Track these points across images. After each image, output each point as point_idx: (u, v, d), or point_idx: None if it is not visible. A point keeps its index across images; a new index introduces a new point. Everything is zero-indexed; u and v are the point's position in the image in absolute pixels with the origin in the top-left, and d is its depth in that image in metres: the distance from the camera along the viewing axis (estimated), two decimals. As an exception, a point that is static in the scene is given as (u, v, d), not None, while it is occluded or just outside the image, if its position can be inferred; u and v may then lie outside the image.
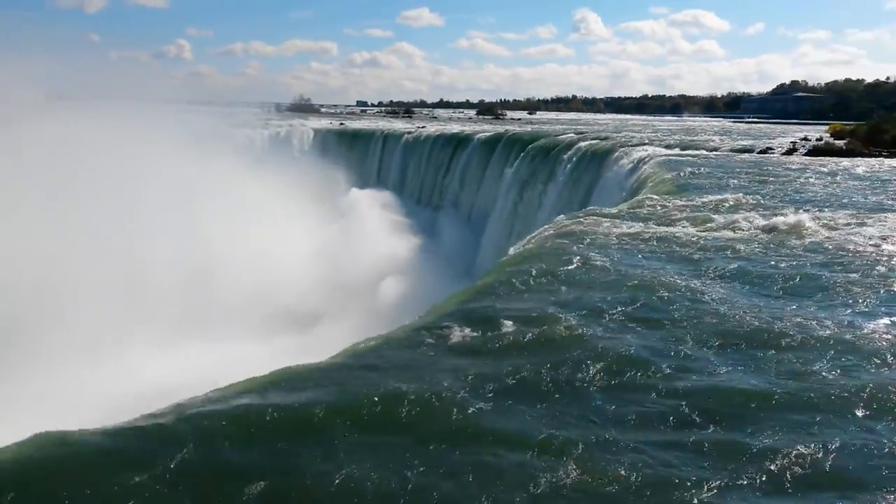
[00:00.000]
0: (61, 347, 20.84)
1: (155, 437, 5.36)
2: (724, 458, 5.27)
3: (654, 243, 12.06)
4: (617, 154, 28.94)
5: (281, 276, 28.85)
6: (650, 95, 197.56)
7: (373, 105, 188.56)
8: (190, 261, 26.75)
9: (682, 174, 21.52)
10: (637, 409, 6.08)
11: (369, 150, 51.76)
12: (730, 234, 13.00)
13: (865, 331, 7.90)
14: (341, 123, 64.74)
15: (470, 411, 5.95)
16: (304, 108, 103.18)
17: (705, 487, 4.89)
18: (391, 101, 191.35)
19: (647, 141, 34.95)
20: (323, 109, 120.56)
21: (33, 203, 25.54)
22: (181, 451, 5.16)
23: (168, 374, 19.59)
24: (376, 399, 6.07)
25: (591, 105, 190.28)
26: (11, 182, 24.86)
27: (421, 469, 5.10)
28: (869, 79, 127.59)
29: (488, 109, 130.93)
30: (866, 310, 8.71)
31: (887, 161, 28.26)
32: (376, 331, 8.24)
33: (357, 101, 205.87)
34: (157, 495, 4.73)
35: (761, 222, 13.81)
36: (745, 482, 4.98)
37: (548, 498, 4.81)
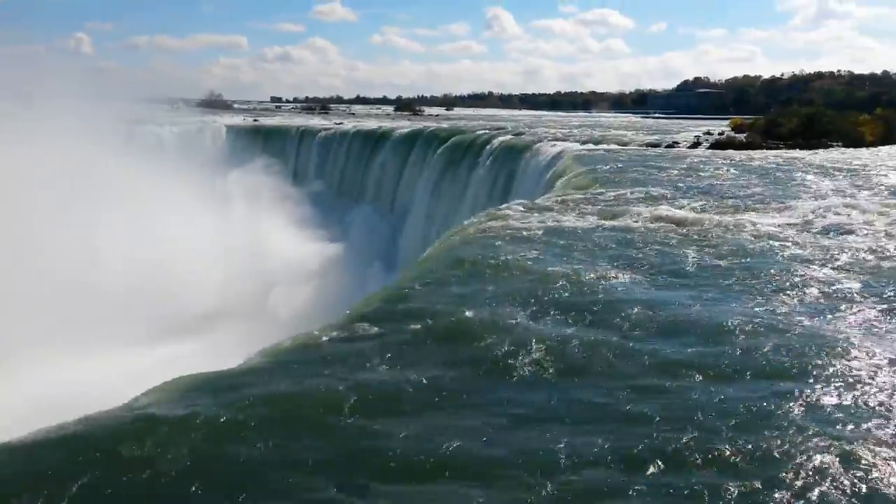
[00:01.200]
0: None
1: (46, 453, 4.93)
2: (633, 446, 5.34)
3: (571, 235, 12.27)
4: (534, 149, 29.45)
5: (183, 278, 27.67)
6: (563, 92, 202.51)
7: (288, 101, 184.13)
8: (78, 264, 25.25)
9: (595, 168, 22.09)
10: (555, 400, 6.10)
11: (286, 147, 50.49)
12: (640, 225, 13.39)
13: (772, 315, 8.27)
14: (255, 120, 62.89)
15: (385, 413, 5.80)
16: (215, 104, 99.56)
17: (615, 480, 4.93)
18: (307, 98, 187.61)
19: (561, 136, 35.80)
20: (236, 106, 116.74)
21: None
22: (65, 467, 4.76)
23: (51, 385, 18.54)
24: (277, 406, 5.83)
25: (507, 101, 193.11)
26: None
27: (330, 477, 4.91)
28: (766, 75, 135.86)
29: (406, 105, 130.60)
30: (772, 295, 9.13)
31: (783, 153, 30.05)
32: (289, 333, 7.95)
33: (271, 98, 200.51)
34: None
35: (669, 213, 14.33)
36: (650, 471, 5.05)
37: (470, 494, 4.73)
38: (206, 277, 28.64)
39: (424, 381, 6.40)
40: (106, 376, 19.90)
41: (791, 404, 6.04)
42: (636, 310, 8.30)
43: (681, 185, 19.01)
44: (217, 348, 25.18)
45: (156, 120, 52.52)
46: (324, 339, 7.48)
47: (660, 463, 5.09)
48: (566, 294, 8.88)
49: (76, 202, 29.00)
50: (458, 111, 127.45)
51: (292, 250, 34.97)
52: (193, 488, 4.74)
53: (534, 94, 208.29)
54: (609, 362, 6.91)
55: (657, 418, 5.74)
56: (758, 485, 4.80)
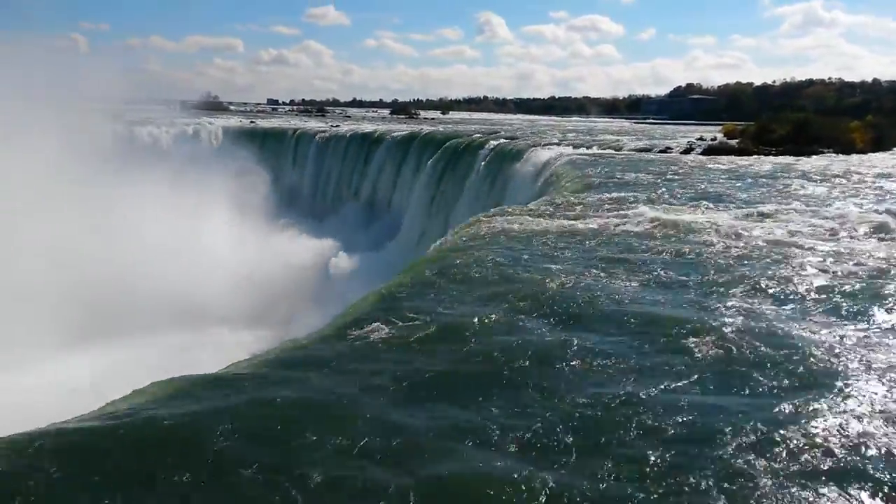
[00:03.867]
0: None
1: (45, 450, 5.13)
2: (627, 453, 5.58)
3: (565, 239, 12.52)
4: (528, 153, 29.75)
5: (177, 278, 27.76)
6: (557, 97, 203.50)
7: (284, 103, 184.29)
8: (66, 264, 25.34)
9: (589, 172, 22.39)
10: (550, 401, 6.33)
11: (282, 149, 50.72)
12: (632, 229, 13.66)
13: (770, 320, 8.52)
14: (252, 122, 63.07)
15: (385, 411, 6.02)
16: (211, 105, 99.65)
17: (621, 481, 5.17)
18: (303, 100, 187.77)
19: (556, 141, 36.13)
20: (232, 107, 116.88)
21: None
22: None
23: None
24: (283, 406, 6.04)
25: (502, 106, 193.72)
26: None
27: (329, 476, 5.13)
28: (757, 82, 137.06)
29: (402, 109, 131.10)
30: (769, 297, 9.39)
31: (774, 159, 30.42)
32: (280, 333, 8.16)
33: (268, 100, 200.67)
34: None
35: (662, 218, 14.59)
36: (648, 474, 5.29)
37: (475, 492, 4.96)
38: (204, 277, 28.75)
39: (417, 381, 6.62)
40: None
41: (788, 407, 6.28)
42: (628, 312, 8.53)
43: (673, 189, 19.30)
44: (215, 349, 25.39)
45: (153, 121, 52.64)
46: (318, 341, 7.70)
47: (655, 470, 5.32)
48: (556, 297, 9.11)
49: (68, 203, 29.11)
50: (453, 115, 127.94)
51: (289, 250, 35.22)
52: (176, 486, 4.95)
53: (528, 98, 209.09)
54: (599, 365, 7.11)
55: (648, 423, 5.98)
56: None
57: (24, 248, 24.31)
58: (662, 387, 6.58)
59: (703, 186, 20.33)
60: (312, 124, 60.58)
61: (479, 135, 39.68)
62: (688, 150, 33.44)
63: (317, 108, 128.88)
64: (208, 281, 28.50)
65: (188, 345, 24.54)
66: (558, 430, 5.71)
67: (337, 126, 56.30)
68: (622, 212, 15.34)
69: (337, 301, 22.94)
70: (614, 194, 17.89)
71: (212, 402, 6.04)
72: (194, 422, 5.62)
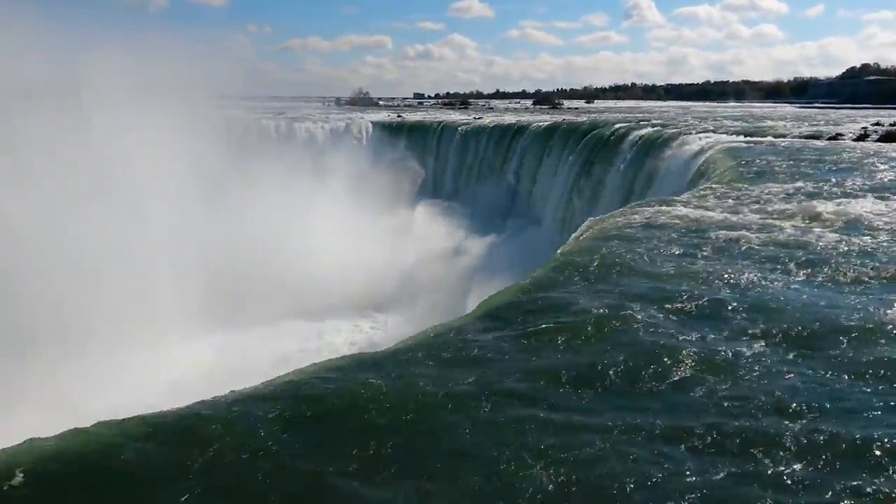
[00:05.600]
0: (113, 334, 21.85)
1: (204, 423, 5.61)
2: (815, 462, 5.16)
3: (719, 234, 11.77)
4: (679, 141, 28.26)
5: (329, 267, 29.54)
6: (712, 81, 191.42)
7: (429, 97, 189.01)
8: (231, 251, 27.65)
9: (747, 162, 20.86)
10: (701, 409, 6.00)
11: (426, 141, 52.04)
12: (800, 224, 12.56)
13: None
14: (399, 116, 65.25)
15: (527, 405, 5.99)
16: (363, 101, 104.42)
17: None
18: (447, 93, 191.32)
19: (710, 128, 34.03)
20: (381, 102, 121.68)
21: (108, 194, 26.71)
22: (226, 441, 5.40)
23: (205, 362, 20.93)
24: (425, 392, 6.19)
25: (651, 92, 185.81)
26: (74, 172, 26.18)
27: (489, 468, 5.18)
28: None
29: (545, 99, 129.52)
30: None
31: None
32: (431, 323, 8.36)
33: (414, 94, 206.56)
34: (206, 487, 4.96)
35: (834, 212, 13.30)
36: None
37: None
38: (353, 265, 30.36)
39: (554, 380, 6.53)
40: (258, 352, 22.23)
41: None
42: (798, 317, 7.85)
43: (844, 180, 17.52)
44: (359, 336, 26.83)
45: (310, 117, 56.11)
46: (455, 332, 7.78)
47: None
48: (709, 297, 8.59)
49: (232, 192, 31.91)
50: (598, 104, 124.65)
51: (429, 239, 36.36)
52: (319, 465, 5.22)
53: (679, 84, 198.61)
54: (762, 376, 6.61)
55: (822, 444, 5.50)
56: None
57: (181, 238, 26.79)
58: (852, 408, 6.00)
59: (880, 177, 18.26)
60: (455, 117, 61.55)
61: (625, 123, 38.28)
62: (862, 137, 30.13)
63: (460, 101, 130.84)
64: (352, 270, 30.11)
65: (325, 330, 26.53)
66: (727, 434, 5.39)
67: (479, 118, 56.79)
68: (786, 205, 14.14)
69: (475, 291, 23.29)
70: (777, 185, 16.54)
71: (365, 379, 6.33)
72: (353, 396, 5.94)
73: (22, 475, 4.73)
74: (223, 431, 5.39)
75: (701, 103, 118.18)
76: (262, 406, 5.81)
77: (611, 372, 6.54)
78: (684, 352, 6.85)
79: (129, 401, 11.89)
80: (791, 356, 6.84)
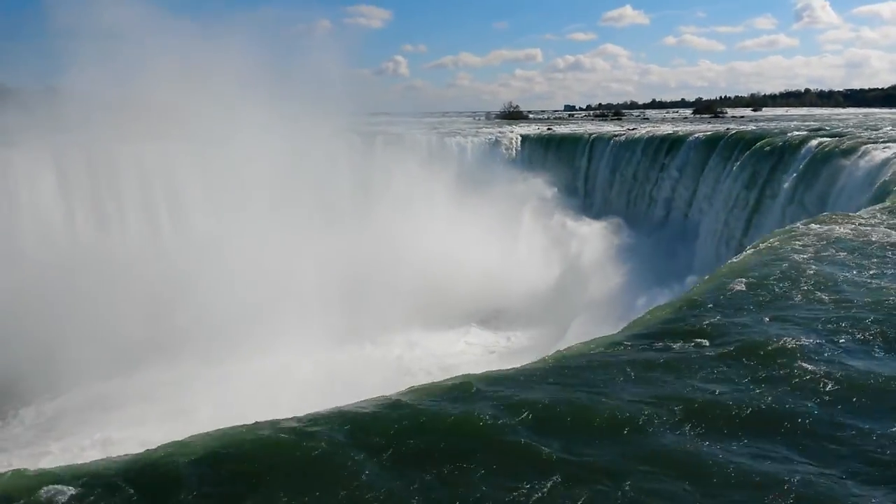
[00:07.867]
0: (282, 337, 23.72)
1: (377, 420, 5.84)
2: None
3: (906, 255, 10.47)
4: (860, 152, 25.57)
5: (476, 277, 30.15)
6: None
7: (581, 109, 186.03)
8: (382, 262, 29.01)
9: (945, 174, 18.42)
10: (861, 447, 5.35)
11: (576, 154, 51.22)
12: None
13: None
14: (549, 129, 64.89)
15: (661, 433, 5.67)
16: (512, 115, 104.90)
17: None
18: (599, 104, 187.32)
19: (898, 137, 30.46)
20: (531, 116, 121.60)
21: (276, 210, 29.22)
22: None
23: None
24: (568, 410, 6.04)
25: (827, 98, 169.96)
26: (247, 187, 29.05)
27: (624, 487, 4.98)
28: None
29: (706, 107, 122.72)
30: None
31: None
32: (575, 339, 8.18)
33: (565, 106, 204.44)
34: (376, 484, 5.15)
35: None
36: None
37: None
38: (499, 277, 30.70)
39: (711, 401, 6.12)
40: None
41: None
42: None
43: None
44: (509, 344, 27.10)
45: (461, 132, 57.45)
46: (604, 348, 7.55)
47: None
48: (891, 323, 7.67)
49: (380, 206, 33.68)
50: (766, 111, 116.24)
51: (576, 253, 35.86)
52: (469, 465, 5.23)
53: (861, 89, 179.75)
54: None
55: None
56: None
57: (317, 256, 28.40)
58: None
59: None
60: (608, 128, 60.08)
61: (797, 133, 35.30)
62: None
63: (613, 112, 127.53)
64: (504, 283, 30.45)
65: (454, 340, 27.19)
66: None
67: (633, 129, 55.02)
68: None
69: (627, 308, 22.52)
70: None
71: (507, 395, 6.33)
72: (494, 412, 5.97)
73: (195, 465, 5.21)
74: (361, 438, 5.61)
75: (886, 109, 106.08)
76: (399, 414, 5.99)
77: (762, 405, 6.01)
78: (854, 387, 6.15)
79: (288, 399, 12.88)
80: None
